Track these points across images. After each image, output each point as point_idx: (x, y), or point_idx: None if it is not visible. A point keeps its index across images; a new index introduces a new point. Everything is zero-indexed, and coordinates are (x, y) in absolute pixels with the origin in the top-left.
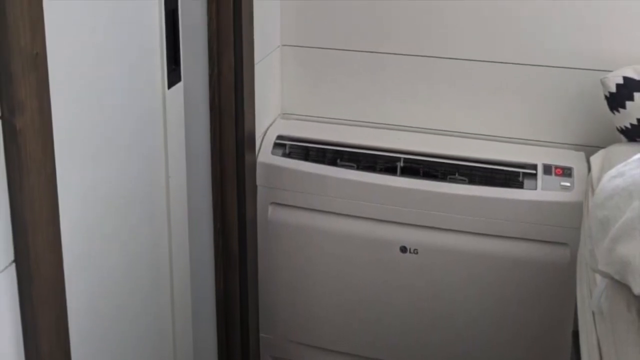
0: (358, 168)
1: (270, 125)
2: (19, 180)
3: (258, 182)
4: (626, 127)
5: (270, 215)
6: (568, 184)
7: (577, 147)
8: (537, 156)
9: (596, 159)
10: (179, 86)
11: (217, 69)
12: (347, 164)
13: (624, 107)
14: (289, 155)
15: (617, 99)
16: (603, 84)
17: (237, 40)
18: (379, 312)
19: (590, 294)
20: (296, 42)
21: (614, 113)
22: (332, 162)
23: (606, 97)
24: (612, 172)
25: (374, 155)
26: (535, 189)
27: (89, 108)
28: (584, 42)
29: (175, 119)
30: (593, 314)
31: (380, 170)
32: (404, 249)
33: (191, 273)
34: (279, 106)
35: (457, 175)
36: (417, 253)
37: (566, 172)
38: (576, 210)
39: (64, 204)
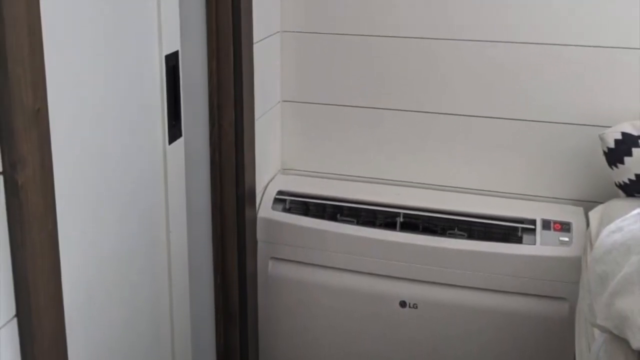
0: (358, 223)
1: (271, 180)
2: (20, 235)
3: (258, 237)
4: (624, 183)
5: (271, 270)
6: (567, 239)
7: (576, 202)
8: (536, 211)
9: (595, 214)
10: (180, 141)
11: (217, 125)
12: (346, 219)
13: (622, 162)
14: (289, 210)
15: (616, 154)
16: (601, 139)
17: (238, 96)
18: None
19: (589, 349)
20: (296, 97)
21: (612, 168)
22: (332, 217)
23: (605, 153)
24: (611, 227)
25: (373, 211)
26: (534, 244)
27: (90, 163)
28: (583, 98)
29: (176, 174)
30: None
31: (379, 225)
32: (403, 304)
33: (192, 327)
34: (279, 161)
35: (456, 230)
36: (416, 308)
37: (565, 227)
38: (575, 265)
39: (65, 259)
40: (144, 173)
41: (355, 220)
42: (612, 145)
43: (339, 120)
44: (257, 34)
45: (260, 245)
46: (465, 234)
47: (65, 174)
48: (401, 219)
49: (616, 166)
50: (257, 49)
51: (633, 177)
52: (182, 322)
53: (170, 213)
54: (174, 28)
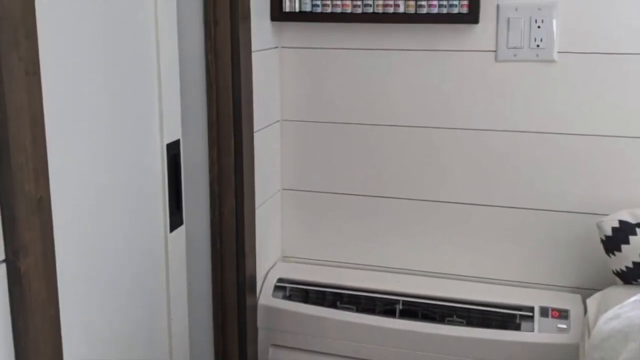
0: (357, 310)
1: (271, 268)
2: (23, 321)
3: (259, 324)
4: (622, 270)
5: (271, 357)
6: (564, 326)
7: (574, 289)
8: (534, 298)
9: (592, 301)
10: (181, 229)
11: (218, 213)
12: (346, 306)
13: (619, 250)
14: (289, 297)
15: (613, 242)
16: (599, 227)
17: (239, 185)
18: None
19: None
20: (296, 186)
21: (610, 256)
22: (332, 305)
23: (602, 241)
24: (609, 314)
25: (373, 298)
26: (532, 331)
27: (92, 250)
28: (580, 186)
29: (177, 261)
30: None
31: (379, 312)
32: None
33: None
34: (279, 249)
35: (455, 317)
36: None
37: (563, 314)
38: (573, 352)
39: (67, 345)
40: (146, 260)
41: (355, 308)
42: (609, 233)
43: (338, 208)
44: (257, 123)
45: (260, 332)
46: (464, 321)
47: (67, 261)
48: (400, 306)
49: (614, 254)
50: (257, 137)
51: (630, 265)
52: None
53: (171, 299)
54: (175, 117)
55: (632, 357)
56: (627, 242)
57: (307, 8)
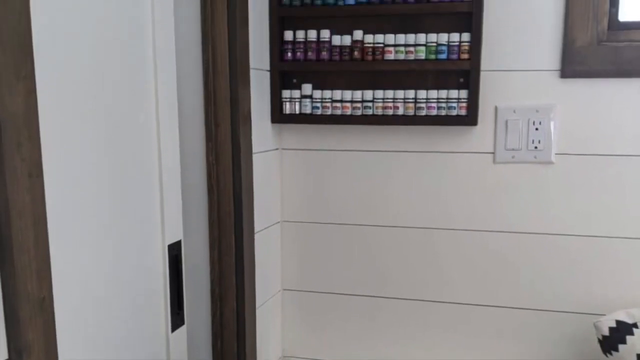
0: None
1: None
2: None
3: None
4: None
5: None
6: None
7: None
8: None
9: None
10: (182, 330)
11: (219, 313)
12: None
13: (617, 350)
14: None
15: (611, 342)
16: (596, 327)
17: (239, 285)
18: None
19: None
20: (297, 286)
21: (607, 356)
22: None
23: (599, 340)
24: None
25: None
26: None
27: (94, 350)
28: (578, 286)
29: None
30: None
31: None
32: None
33: None
34: (280, 348)
35: None
36: None
37: None
38: None
39: None
40: None
41: None
42: (606, 333)
43: (339, 308)
44: (258, 224)
45: None
46: None
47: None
48: None
49: (611, 354)
50: (258, 238)
51: None
52: None
53: None
54: (176, 218)
55: None
56: (624, 342)
57: (307, 110)
